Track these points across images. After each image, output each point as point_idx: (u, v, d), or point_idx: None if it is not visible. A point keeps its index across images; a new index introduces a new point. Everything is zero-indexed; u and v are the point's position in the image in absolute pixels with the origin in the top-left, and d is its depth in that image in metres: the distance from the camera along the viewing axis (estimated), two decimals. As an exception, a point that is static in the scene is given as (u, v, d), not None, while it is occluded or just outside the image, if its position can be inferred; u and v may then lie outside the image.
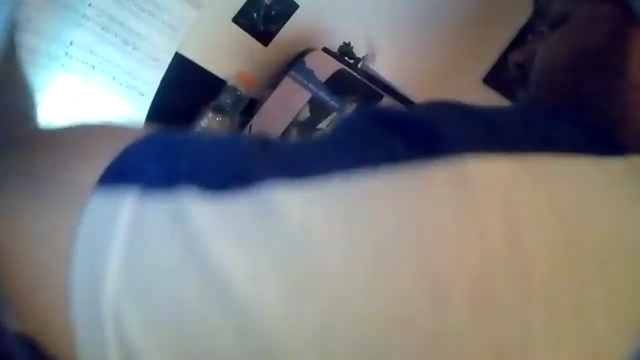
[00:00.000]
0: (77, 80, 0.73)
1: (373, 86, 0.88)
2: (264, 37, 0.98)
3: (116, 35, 0.76)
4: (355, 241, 0.20)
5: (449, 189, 0.21)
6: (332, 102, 0.89)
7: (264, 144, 0.24)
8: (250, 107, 0.96)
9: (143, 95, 0.83)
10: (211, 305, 0.20)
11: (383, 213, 0.20)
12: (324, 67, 0.93)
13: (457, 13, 1.19)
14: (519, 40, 1.12)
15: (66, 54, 0.71)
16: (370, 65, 0.98)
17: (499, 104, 1.14)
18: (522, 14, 1.09)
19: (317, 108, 0.90)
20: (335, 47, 1.00)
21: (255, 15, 0.95)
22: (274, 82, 0.97)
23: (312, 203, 0.21)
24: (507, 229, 0.20)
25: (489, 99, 1.16)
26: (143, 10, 0.77)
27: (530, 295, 0.20)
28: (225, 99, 0.90)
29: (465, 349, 0.19)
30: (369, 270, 0.20)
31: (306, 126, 0.90)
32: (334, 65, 0.93)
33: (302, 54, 0.96)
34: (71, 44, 0.71)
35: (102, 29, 0.74)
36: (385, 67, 1.01)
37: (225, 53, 0.94)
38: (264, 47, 0.98)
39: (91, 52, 0.74)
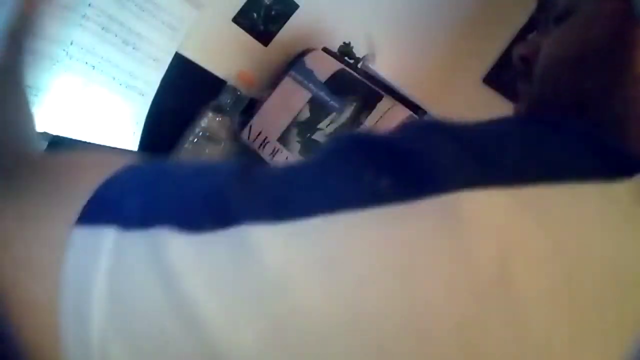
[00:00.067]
0: (77, 80, 0.73)
1: (373, 86, 0.88)
2: (264, 37, 0.98)
3: (116, 35, 0.76)
4: (334, 286, 0.19)
5: (439, 229, 0.20)
6: (332, 102, 0.89)
7: (245, 174, 0.23)
8: (250, 107, 0.96)
9: (143, 95, 0.83)
10: (190, 345, 0.20)
11: (366, 256, 0.20)
12: (324, 67, 0.93)
13: (457, 13, 1.19)
14: (520, 40, 1.11)
15: (66, 54, 0.71)
16: (370, 65, 0.98)
17: (499, 104, 1.14)
18: (522, 13, 1.09)
19: (317, 108, 0.90)
20: (335, 47, 1.00)
21: (255, 15, 0.95)
22: (274, 82, 0.97)
23: (291, 245, 0.20)
24: (500, 269, 0.19)
25: (489, 99, 1.16)
26: (143, 10, 0.78)
27: (524, 342, 0.19)
28: (225, 99, 0.90)
29: None
30: (347, 315, 0.19)
31: (306, 126, 0.90)
32: (334, 65, 0.93)
33: (302, 54, 0.96)
34: (71, 44, 0.71)
35: (102, 29, 0.74)
36: (385, 67, 1.01)
37: (225, 53, 0.95)
38: (264, 47, 0.98)
39: (91, 52, 0.74)
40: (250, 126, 0.95)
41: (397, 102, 0.84)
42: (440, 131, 0.23)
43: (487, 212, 0.20)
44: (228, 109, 0.90)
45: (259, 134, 0.94)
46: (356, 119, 0.85)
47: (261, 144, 0.93)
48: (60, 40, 0.70)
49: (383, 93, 0.86)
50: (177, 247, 0.21)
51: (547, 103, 0.33)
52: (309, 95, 0.91)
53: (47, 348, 0.23)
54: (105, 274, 0.21)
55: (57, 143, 0.66)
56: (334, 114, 0.88)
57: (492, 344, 0.19)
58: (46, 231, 0.25)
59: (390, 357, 0.19)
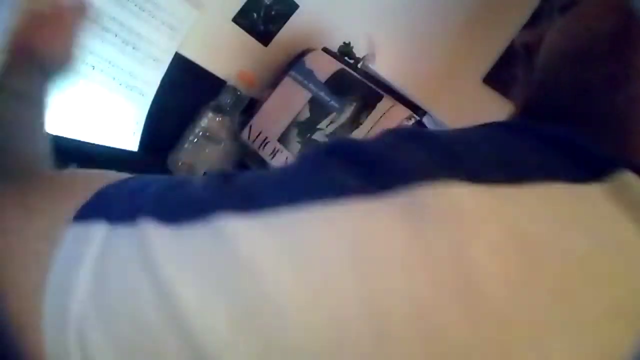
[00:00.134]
0: (77, 80, 0.73)
1: (373, 86, 0.88)
2: (264, 37, 0.98)
3: (116, 35, 0.76)
4: (301, 271, 0.20)
5: (399, 218, 0.21)
6: (332, 102, 0.89)
7: (225, 178, 0.25)
8: (250, 107, 0.96)
9: (143, 95, 0.83)
10: (167, 329, 0.21)
11: (330, 245, 0.20)
12: (324, 67, 0.93)
13: (457, 13, 1.19)
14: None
15: (66, 54, 0.71)
16: (370, 65, 0.98)
17: (499, 104, 1.14)
18: (522, 13, 1.09)
19: (317, 108, 0.90)
20: (335, 47, 1.00)
21: (255, 15, 0.95)
22: (274, 82, 0.97)
23: (261, 234, 0.21)
24: (459, 253, 0.20)
25: (489, 99, 1.16)
26: (143, 11, 0.78)
27: (483, 325, 0.19)
28: (225, 99, 0.90)
29: None
30: (312, 301, 0.20)
31: (306, 126, 0.90)
32: (334, 65, 0.93)
33: (302, 54, 0.96)
34: (71, 44, 0.71)
35: (102, 29, 0.74)
36: (385, 67, 1.01)
37: (225, 53, 0.95)
38: (264, 47, 0.98)
39: (91, 52, 0.74)
40: (250, 126, 0.95)
41: (397, 102, 0.84)
42: (415, 137, 0.24)
43: (450, 202, 0.21)
44: (228, 109, 0.90)
45: (259, 134, 0.94)
46: (356, 119, 0.85)
47: (261, 144, 0.93)
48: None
49: (383, 93, 0.86)
50: (160, 237, 0.23)
51: (547, 92, 0.33)
52: (309, 95, 0.91)
53: (30, 332, 0.24)
54: (91, 262, 0.23)
55: (57, 143, 0.66)
56: (334, 114, 0.88)
57: (450, 327, 0.19)
58: (44, 225, 0.27)
59: (352, 338, 0.19)
